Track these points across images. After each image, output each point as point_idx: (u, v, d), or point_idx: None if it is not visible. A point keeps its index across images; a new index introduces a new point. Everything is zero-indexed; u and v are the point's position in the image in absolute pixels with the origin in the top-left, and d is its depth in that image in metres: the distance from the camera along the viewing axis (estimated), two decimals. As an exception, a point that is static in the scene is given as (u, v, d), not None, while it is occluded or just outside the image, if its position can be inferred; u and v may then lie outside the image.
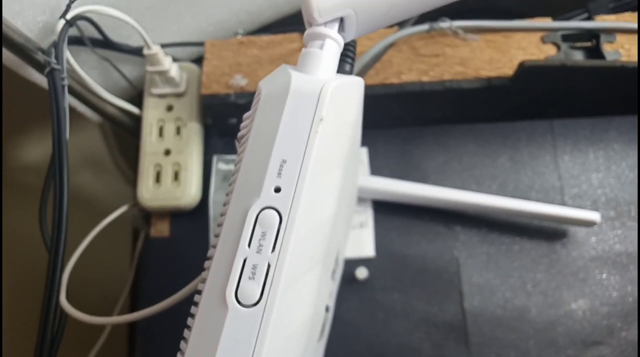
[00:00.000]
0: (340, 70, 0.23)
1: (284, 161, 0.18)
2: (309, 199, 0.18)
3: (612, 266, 0.40)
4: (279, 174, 0.18)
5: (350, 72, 0.24)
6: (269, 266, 0.17)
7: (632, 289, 0.40)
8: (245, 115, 0.20)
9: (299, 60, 0.20)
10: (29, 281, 0.51)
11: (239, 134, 0.20)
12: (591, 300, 0.40)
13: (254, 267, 0.17)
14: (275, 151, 0.18)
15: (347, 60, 0.23)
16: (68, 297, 0.31)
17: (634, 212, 0.42)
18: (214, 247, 0.18)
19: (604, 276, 0.40)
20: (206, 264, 0.18)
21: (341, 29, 0.21)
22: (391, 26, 0.41)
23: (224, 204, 0.19)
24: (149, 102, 0.44)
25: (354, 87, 0.20)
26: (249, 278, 0.17)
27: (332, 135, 0.19)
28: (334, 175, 0.19)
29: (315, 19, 0.20)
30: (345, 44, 0.23)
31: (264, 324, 0.16)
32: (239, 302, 0.17)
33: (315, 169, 0.18)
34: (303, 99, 0.18)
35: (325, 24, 0.20)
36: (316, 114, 0.18)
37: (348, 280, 0.41)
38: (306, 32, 0.20)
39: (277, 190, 0.18)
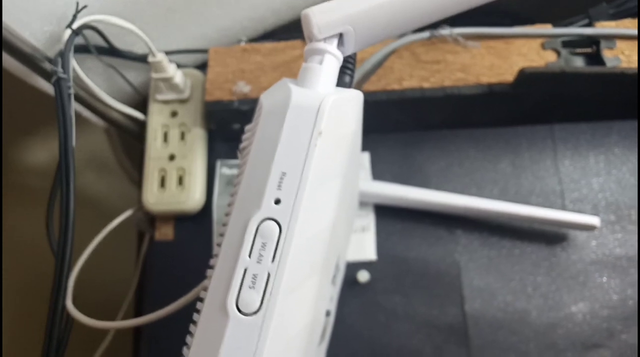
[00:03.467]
0: (340, 82, 0.23)
1: (284, 174, 0.18)
2: (308, 210, 0.18)
3: (612, 270, 0.41)
4: (279, 186, 0.18)
5: (350, 84, 0.24)
6: (268, 275, 0.17)
7: (632, 292, 0.40)
8: (247, 127, 0.21)
9: (299, 75, 0.21)
10: (31, 283, 0.52)
11: (241, 146, 0.21)
12: (591, 303, 0.40)
13: (254, 276, 0.17)
14: (275, 164, 0.19)
15: (346, 72, 0.24)
16: (74, 300, 0.32)
17: (635, 216, 0.42)
18: (216, 256, 0.19)
19: (604, 279, 0.41)
20: (208, 272, 0.19)
21: (340, 44, 0.21)
22: (392, 33, 0.42)
23: (226, 214, 0.20)
24: (153, 108, 0.44)
25: (352, 100, 0.21)
26: (249, 287, 0.17)
27: (331, 147, 0.19)
28: (333, 186, 0.19)
29: (314, 35, 0.20)
30: (345, 57, 0.24)
31: (263, 331, 0.17)
32: (239, 310, 0.17)
33: (314, 181, 0.18)
34: (303, 113, 0.19)
35: (324, 39, 0.21)
36: (315, 127, 0.19)
37: (350, 283, 0.41)
38: (306, 48, 0.21)
39: (277, 202, 0.18)
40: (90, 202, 0.65)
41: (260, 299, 0.17)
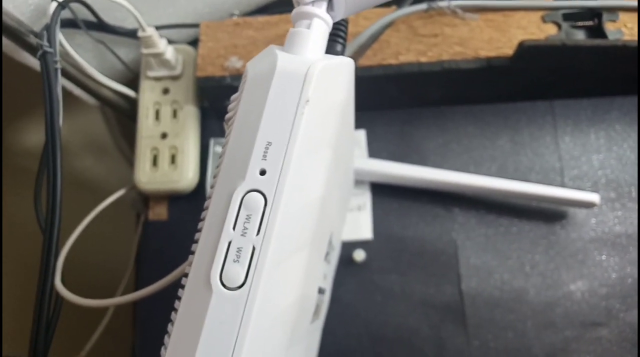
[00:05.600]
0: (331, 50, 0.23)
1: (269, 143, 0.18)
2: (294, 181, 0.17)
3: (612, 248, 0.40)
4: (264, 156, 0.18)
5: (342, 53, 0.23)
6: (253, 248, 0.17)
7: (632, 270, 0.40)
8: (233, 97, 0.20)
9: (286, 40, 0.20)
10: (31, 265, 0.52)
11: (226, 117, 0.20)
12: (590, 281, 0.40)
13: (239, 250, 0.17)
14: (260, 133, 0.18)
15: (338, 40, 0.23)
16: (71, 281, 0.31)
17: (635, 194, 0.41)
18: (200, 230, 0.18)
19: (603, 257, 0.40)
20: (193, 247, 0.18)
21: (330, 8, 0.20)
22: (389, 5, 0.41)
23: (211, 186, 0.19)
24: (145, 85, 0.43)
25: (343, 68, 0.20)
26: (234, 261, 0.17)
27: (319, 116, 0.18)
28: (321, 157, 0.19)
29: (302, -3, 0.19)
30: (336, 24, 0.23)
31: (248, 306, 0.16)
32: (223, 284, 0.16)
33: (301, 151, 0.18)
34: (289, 79, 0.18)
35: (312, 2, 0.20)
36: (302, 95, 0.18)
37: (346, 262, 0.41)
38: (293, 12, 0.20)
39: (262, 172, 0.17)
40: (87, 183, 0.64)
41: (244, 273, 0.17)
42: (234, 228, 0.17)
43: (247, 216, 0.17)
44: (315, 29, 0.19)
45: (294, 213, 0.18)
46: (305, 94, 0.18)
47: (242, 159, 0.18)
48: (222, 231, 0.17)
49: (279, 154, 0.17)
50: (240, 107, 0.19)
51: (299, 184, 0.18)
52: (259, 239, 0.17)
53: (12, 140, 0.61)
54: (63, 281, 0.30)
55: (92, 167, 0.66)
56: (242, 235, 0.17)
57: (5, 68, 0.43)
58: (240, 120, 0.18)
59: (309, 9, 0.19)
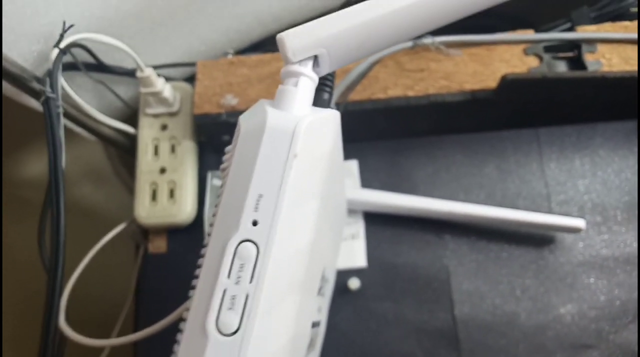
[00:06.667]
0: (319, 100, 0.24)
1: (260, 196, 0.19)
2: (285, 231, 0.19)
3: (600, 271, 0.41)
4: (256, 208, 0.19)
5: (329, 101, 0.25)
6: (247, 296, 0.18)
7: (619, 292, 0.41)
8: (227, 148, 0.22)
9: (275, 97, 0.21)
10: (29, 299, 0.52)
11: (222, 166, 0.21)
12: (579, 304, 0.41)
13: (233, 297, 0.18)
14: (252, 186, 0.19)
15: (325, 89, 0.24)
16: (68, 315, 0.32)
17: (620, 217, 0.42)
18: (197, 277, 0.19)
19: (592, 280, 0.41)
20: (190, 293, 0.19)
21: (316, 65, 0.22)
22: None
23: (208, 234, 0.20)
24: (143, 121, 0.45)
25: (329, 120, 0.22)
26: (229, 309, 0.18)
27: (307, 169, 0.20)
28: (310, 206, 0.20)
29: (289, 58, 0.21)
30: (324, 75, 0.24)
31: (242, 351, 0.17)
32: (219, 331, 0.18)
33: (290, 202, 0.19)
34: (278, 135, 0.20)
35: (299, 62, 0.21)
36: (290, 150, 0.19)
37: (341, 290, 0.42)
38: (282, 70, 0.21)
39: (255, 223, 0.19)
40: (87, 213, 0.65)
41: (239, 319, 0.18)
42: (228, 276, 0.18)
43: (241, 265, 0.18)
44: (302, 86, 0.21)
45: (285, 260, 0.19)
46: (294, 149, 0.19)
47: (235, 210, 0.19)
48: (218, 280, 0.18)
49: (270, 206, 0.19)
50: (234, 160, 0.20)
51: (289, 232, 0.19)
52: (252, 287, 0.18)
53: (12, 172, 0.62)
54: (66, 319, 0.31)
55: (92, 198, 0.67)
56: (236, 283, 0.18)
57: (5, 101, 0.45)
58: (233, 173, 0.20)
59: (296, 68, 0.21)
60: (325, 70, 0.22)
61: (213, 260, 0.19)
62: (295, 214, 0.19)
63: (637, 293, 0.40)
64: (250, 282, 0.18)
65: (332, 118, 0.22)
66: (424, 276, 0.42)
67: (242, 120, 0.21)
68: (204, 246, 0.20)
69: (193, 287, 0.19)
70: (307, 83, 0.21)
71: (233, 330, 0.18)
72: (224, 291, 0.18)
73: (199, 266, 0.19)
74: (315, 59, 0.22)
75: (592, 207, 0.43)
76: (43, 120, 0.35)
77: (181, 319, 0.19)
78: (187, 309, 0.19)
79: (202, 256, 0.20)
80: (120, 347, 0.45)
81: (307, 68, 0.21)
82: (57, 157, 0.33)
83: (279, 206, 0.19)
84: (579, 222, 0.40)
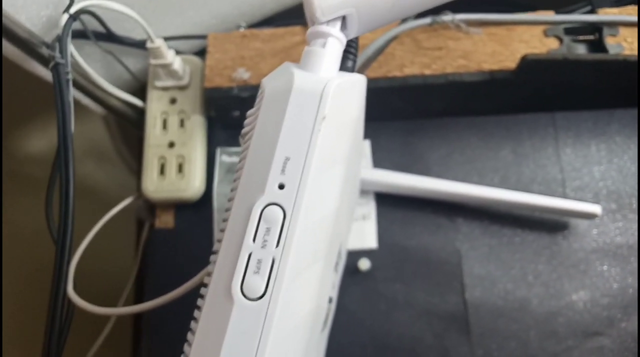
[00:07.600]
0: (343, 66, 0.23)
1: (287, 158, 0.18)
2: (312, 195, 0.18)
3: (613, 258, 0.41)
4: (283, 171, 0.18)
5: (352, 69, 0.24)
6: (273, 260, 0.17)
7: (633, 280, 0.40)
8: (249, 112, 0.21)
9: (302, 58, 0.20)
10: (32, 272, 0.52)
11: (243, 131, 0.21)
12: (592, 291, 0.40)
13: (259, 261, 0.17)
14: (279, 149, 0.18)
15: (349, 56, 0.23)
16: (74, 288, 0.31)
17: (635, 205, 0.42)
18: (220, 241, 0.18)
19: (605, 267, 0.41)
20: (212, 257, 0.19)
21: (343, 27, 0.21)
22: (394, 19, 0.41)
23: (229, 200, 0.19)
24: (152, 94, 0.44)
25: (356, 85, 0.21)
26: (254, 272, 0.17)
27: (335, 132, 0.19)
28: (336, 171, 0.19)
29: (317, 17, 0.20)
30: (348, 41, 0.23)
31: (268, 316, 0.17)
32: (244, 295, 0.17)
33: (318, 166, 0.18)
34: (306, 97, 0.19)
35: (327, 22, 0.20)
36: (319, 112, 0.19)
37: (351, 271, 0.41)
38: (309, 31, 0.21)
39: (281, 186, 0.18)
40: (88, 191, 0.64)
41: (265, 284, 0.17)
42: (254, 240, 0.18)
43: (267, 228, 0.18)
44: (330, 47, 0.20)
45: (312, 226, 0.18)
46: (322, 111, 0.18)
47: (261, 173, 0.18)
48: (243, 243, 0.17)
49: (297, 169, 0.18)
50: (258, 122, 0.19)
51: (316, 197, 0.18)
52: (278, 251, 0.17)
53: (15, 147, 0.62)
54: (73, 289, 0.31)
55: (93, 176, 0.67)
56: (262, 247, 0.17)
57: (8, 75, 0.44)
58: (258, 136, 0.19)
59: (324, 28, 0.20)
60: (352, 33, 0.21)
61: (237, 224, 0.18)
62: (323, 179, 0.18)
63: (650, 281, 0.40)
64: (277, 246, 0.17)
65: (359, 83, 0.21)
66: (435, 258, 0.41)
67: (266, 82, 0.20)
68: (226, 210, 0.19)
69: (215, 252, 0.19)
70: (335, 44, 0.20)
71: (259, 294, 0.17)
72: (249, 255, 0.17)
73: (222, 230, 0.19)
74: (343, 20, 0.21)
75: (607, 194, 0.42)
76: (44, 94, 0.34)
77: (202, 285, 0.18)
78: (209, 274, 0.18)
79: (225, 220, 0.19)
80: (122, 323, 0.45)
81: (336, 29, 0.20)
82: (67, 123, 0.32)
83: (306, 169, 0.18)
84: (595, 208, 0.39)
